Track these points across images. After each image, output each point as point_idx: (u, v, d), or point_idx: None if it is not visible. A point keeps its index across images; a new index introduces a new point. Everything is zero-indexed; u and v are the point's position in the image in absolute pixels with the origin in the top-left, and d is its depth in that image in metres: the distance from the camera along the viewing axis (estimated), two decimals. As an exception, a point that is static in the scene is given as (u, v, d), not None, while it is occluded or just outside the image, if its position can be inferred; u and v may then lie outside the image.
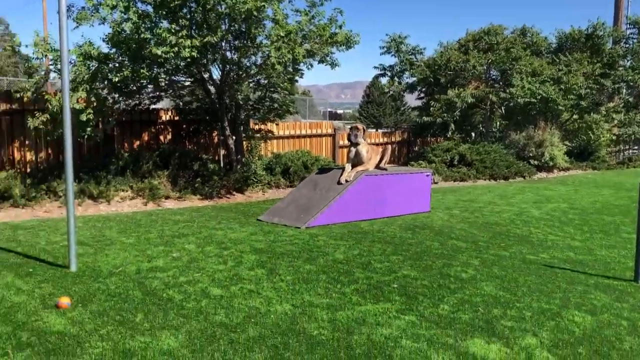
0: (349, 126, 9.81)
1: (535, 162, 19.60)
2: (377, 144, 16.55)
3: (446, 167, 17.36)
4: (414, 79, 19.95)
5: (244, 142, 13.20)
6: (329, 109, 57.32)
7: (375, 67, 20.51)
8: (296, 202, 8.98)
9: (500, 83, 19.23)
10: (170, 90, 12.48)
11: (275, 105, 12.69)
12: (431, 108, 18.42)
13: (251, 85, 12.38)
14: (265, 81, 12.20)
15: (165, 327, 4.12)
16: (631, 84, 21.99)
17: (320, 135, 17.15)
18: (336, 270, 5.83)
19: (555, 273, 6.11)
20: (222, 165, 12.97)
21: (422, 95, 21.23)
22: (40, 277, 5.27)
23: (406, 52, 20.12)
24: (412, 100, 24.27)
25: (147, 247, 6.64)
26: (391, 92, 20.61)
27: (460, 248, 7.19)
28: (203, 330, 4.09)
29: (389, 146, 10.32)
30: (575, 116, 21.93)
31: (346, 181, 9.03)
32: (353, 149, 9.51)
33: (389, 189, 9.51)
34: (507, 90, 17.99)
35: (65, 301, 4.48)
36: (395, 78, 20.38)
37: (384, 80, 20.50)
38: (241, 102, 12.34)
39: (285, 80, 11.76)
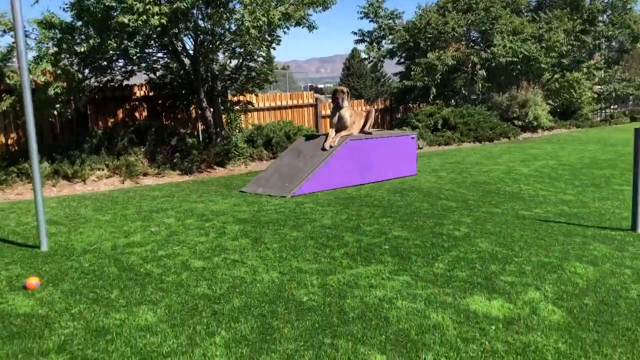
0: (333, 90, 9.46)
1: (520, 123, 19.42)
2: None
3: (430, 131, 17.10)
4: (394, 44, 19.53)
5: (223, 115, 12.80)
6: (309, 84, 56.55)
7: (353, 33, 20.02)
8: (280, 172, 8.66)
9: (481, 44, 18.90)
10: (143, 64, 11.99)
11: (253, 73, 12.25)
12: (412, 72, 18.06)
13: (227, 54, 11.93)
14: (242, 49, 11.75)
15: (143, 303, 3.82)
16: (611, 40, 21.77)
17: (301, 106, 16.76)
18: (324, 236, 5.55)
19: (551, 227, 5.89)
20: (201, 139, 12.57)
21: (402, 60, 20.82)
22: (8, 259, 4.92)
23: (384, 16, 19.65)
24: (391, 69, 23.87)
25: (124, 223, 6.30)
26: (371, 59, 20.18)
27: (450, 207, 6.94)
28: (184, 303, 3.80)
29: (373, 109, 10.01)
30: (556, 75, 21.73)
31: (330, 147, 8.72)
32: (336, 114, 9.17)
33: (374, 153, 9.22)
34: (489, 50, 17.67)
35: (33, 281, 4.15)
36: (375, 44, 19.91)
37: (362, 47, 20.09)
38: (217, 73, 11.90)
39: (262, 46, 11.32)
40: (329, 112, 15.71)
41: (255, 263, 4.68)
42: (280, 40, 12.32)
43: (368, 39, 20.06)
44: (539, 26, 18.85)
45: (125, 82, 12.34)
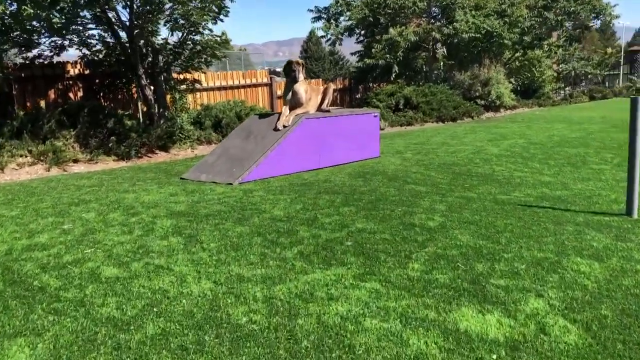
0: (286, 62, 8.44)
1: (482, 102, 18.86)
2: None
3: (391, 112, 16.30)
4: (352, 21, 18.53)
5: (168, 95, 11.64)
6: (266, 67, 55.13)
7: (309, 10, 18.93)
8: (227, 155, 7.65)
9: (443, 20, 18.13)
10: (76, 38, 10.70)
11: (199, 48, 11.10)
12: (373, 50, 17.17)
13: (168, 25, 10.73)
14: (185, 20, 10.59)
15: (22, 333, 2.81)
16: (573, 16, 21.35)
17: (255, 85, 15.68)
18: (274, 230, 4.62)
19: (535, 213, 5.11)
20: (142, 121, 11.40)
21: (361, 38, 19.90)
22: None
23: (342, -10, 18.63)
24: (349, 50, 22.85)
25: (33, 219, 5.22)
26: (329, 37, 19.16)
27: (419, 193, 6.11)
28: (79, 332, 2.81)
29: (331, 85, 9.05)
30: (517, 53, 21.25)
31: (284, 127, 7.75)
32: (290, 89, 8.19)
33: (333, 133, 8.30)
34: (450, 27, 16.91)
35: None
36: (332, 21, 18.89)
37: (320, 24, 19.03)
38: (158, 47, 10.72)
39: (206, 16, 10.20)
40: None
41: (184, 270, 3.72)
42: (228, 11, 11.25)
43: (325, 16, 19.03)
44: (501, 1, 18.20)
45: (56, 59, 11.05)
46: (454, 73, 19.40)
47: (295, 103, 8.12)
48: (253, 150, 7.48)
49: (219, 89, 14.42)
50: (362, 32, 19.42)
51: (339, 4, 18.73)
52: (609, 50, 32.07)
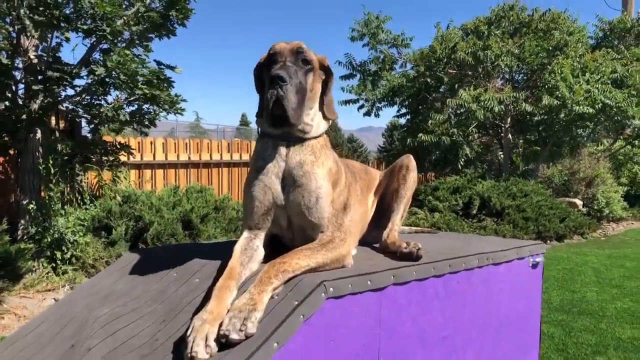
0: (270, 50, 2.20)
1: (583, 209, 12.80)
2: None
3: (459, 217, 10.29)
4: (400, 81, 12.93)
5: (45, 167, 5.70)
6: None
7: (339, 63, 13.37)
8: None
9: (532, 89, 12.41)
10: None
11: (101, 72, 5.20)
12: (430, 122, 11.39)
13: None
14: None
15: None
16: None
17: (248, 164, 9.88)
18: None
19: None
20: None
21: (403, 110, 14.15)
22: None
23: (386, 41, 13.13)
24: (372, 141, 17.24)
25: None
26: (362, 103, 13.49)
27: None
28: None
29: (411, 159, 2.90)
30: (620, 142, 15.47)
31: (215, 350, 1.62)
32: (277, 162, 2.03)
33: (422, 333, 2.21)
34: (555, 95, 11.11)
35: None
36: (368, 79, 13.26)
37: (353, 83, 13.31)
38: (34, 62, 4.93)
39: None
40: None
41: None
42: (189, 12, 5.68)
43: (359, 73, 13.43)
44: (620, 63, 12.51)
45: None
46: (540, 165, 13.47)
47: (298, 223, 2.01)
48: None
49: (182, 165, 8.60)
50: (408, 100, 13.67)
51: (381, 60, 13.16)
52: None
